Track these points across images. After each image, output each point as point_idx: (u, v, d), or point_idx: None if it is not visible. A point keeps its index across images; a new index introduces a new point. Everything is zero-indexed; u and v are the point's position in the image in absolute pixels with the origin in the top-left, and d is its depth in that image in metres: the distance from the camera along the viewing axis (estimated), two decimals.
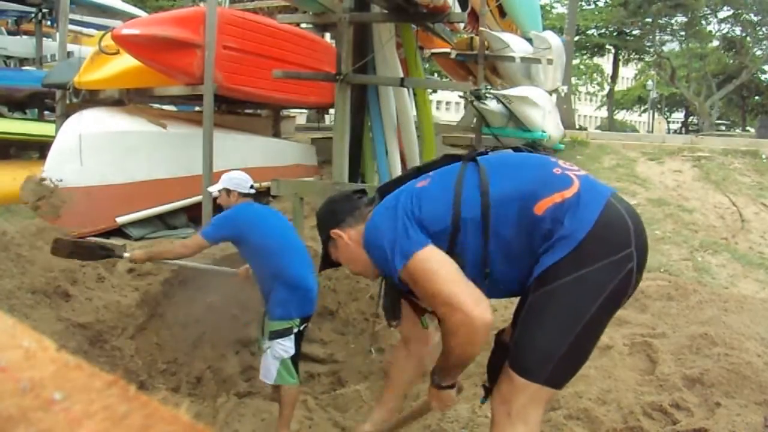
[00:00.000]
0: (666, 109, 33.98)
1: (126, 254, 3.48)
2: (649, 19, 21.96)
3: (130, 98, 6.22)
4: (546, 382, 1.60)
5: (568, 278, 1.53)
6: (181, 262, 3.67)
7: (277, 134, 7.71)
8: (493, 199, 1.57)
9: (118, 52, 5.74)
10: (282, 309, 3.22)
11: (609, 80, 29.54)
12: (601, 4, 24.25)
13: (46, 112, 8.71)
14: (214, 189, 3.50)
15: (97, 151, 5.23)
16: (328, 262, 1.93)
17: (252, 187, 3.46)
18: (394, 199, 1.68)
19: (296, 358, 3.32)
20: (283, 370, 3.23)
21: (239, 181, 3.43)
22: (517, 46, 7.76)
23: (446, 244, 1.59)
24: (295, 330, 3.26)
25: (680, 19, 22.56)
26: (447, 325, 1.59)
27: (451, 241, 1.60)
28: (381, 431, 2.08)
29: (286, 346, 3.22)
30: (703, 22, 23.25)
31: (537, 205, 1.54)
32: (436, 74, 15.99)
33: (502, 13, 8.89)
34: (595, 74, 34.41)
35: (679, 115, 36.96)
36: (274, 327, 3.23)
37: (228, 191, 3.41)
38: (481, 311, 1.52)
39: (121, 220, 5.28)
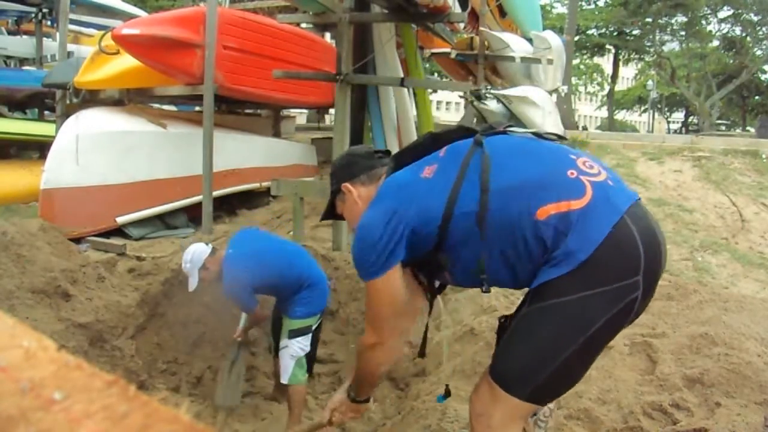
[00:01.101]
0: (666, 109, 33.97)
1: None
2: (649, 19, 21.96)
3: (130, 98, 6.22)
4: (528, 399, 1.53)
5: (564, 299, 1.43)
6: None
7: (277, 134, 7.71)
8: (491, 197, 1.46)
9: (118, 52, 5.75)
10: (304, 307, 3.28)
11: (609, 80, 29.55)
12: (601, 4, 24.26)
13: (46, 112, 8.72)
14: (193, 284, 3.32)
15: (95, 151, 5.23)
16: (331, 212, 1.92)
17: (207, 244, 3.48)
18: (397, 188, 1.61)
19: (312, 356, 3.42)
20: (298, 368, 3.30)
21: (199, 251, 3.32)
22: (517, 46, 7.75)
23: (433, 243, 1.56)
24: (314, 327, 3.36)
25: (680, 19, 22.57)
26: (362, 342, 1.75)
27: (440, 239, 1.54)
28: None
29: (303, 345, 3.30)
30: (703, 22, 23.25)
31: (540, 209, 1.43)
32: (436, 74, 15.99)
33: (502, 13, 8.89)
34: (595, 74, 34.44)
35: (679, 115, 36.95)
36: (295, 326, 3.29)
37: (204, 267, 3.29)
38: (391, 346, 1.70)
39: (121, 220, 5.28)
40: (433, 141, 1.70)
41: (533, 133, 1.63)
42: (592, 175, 1.47)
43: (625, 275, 1.40)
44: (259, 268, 3.21)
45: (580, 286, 1.41)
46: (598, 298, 1.40)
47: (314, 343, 3.42)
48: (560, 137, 1.67)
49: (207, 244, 3.49)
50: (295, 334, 3.28)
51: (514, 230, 1.46)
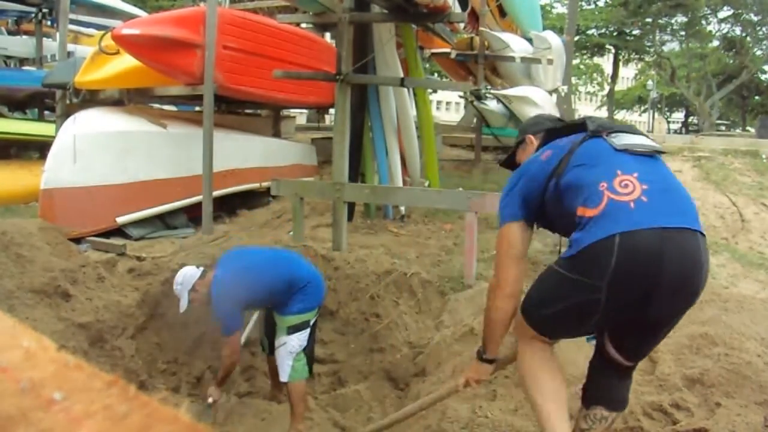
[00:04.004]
0: (666, 109, 33.96)
1: (209, 400, 3.40)
2: (649, 19, 21.97)
3: (130, 98, 6.22)
4: (532, 324, 1.96)
5: (557, 268, 1.89)
6: None
7: (277, 134, 7.71)
8: (560, 186, 1.91)
9: (118, 52, 5.74)
10: (300, 304, 3.29)
11: (609, 80, 29.54)
12: (601, 4, 24.25)
13: (46, 112, 8.71)
14: (183, 305, 3.36)
15: (98, 151, 5.23)
16: (510, 161, 2.36)
17: (198, 267, 3.45)
18: (529, 162, 2.09)
19: (311, 352, 3.42)
20: (297, 364, 3.30)
21: (190, 274, 3.35)
22: (517, 46, 7.75)
23: (539, 204, 1.99)
24: (312, 321, 3.37)
25: (680, 19, 22.57)
26: (488, 286, 2.06)
27: (542, 202, 1.98)
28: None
29: (302, 340, 3.31)
30: (703, 22, 23.24)
31: (577, 209, 1.83)
32: (436, 74, 15.98)
33: (502, 13, 8.89)
34: (595, 74, 34.41)
35: (679, 115, 36.96)
36: (292, 322, 3.29)
37: (193, 290, 3.31)
38: (508, 293, 1.98)
39: (121, 220, 5.28)
40: (565, 128, 2.15)
41: (623, 146, 1.90)
42: (619, 193, 1.76)
43: (591, 276, 1.75)
44: (247, 283, 3.22)
45: (568, 267, 1.84)
46: (572, 281, 1.81)
47: (311, 340, 3.42)
48: (656, 151, 1.93)
49: (198, 267, 3.44)
50: (294, 329, 3.29)
51: (563, 211, 1.94)
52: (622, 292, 1.73)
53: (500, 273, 2.02)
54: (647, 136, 1.99)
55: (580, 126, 2.06)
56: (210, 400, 3.39)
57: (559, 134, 2.10)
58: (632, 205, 1.72)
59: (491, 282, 2.05)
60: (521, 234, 2.00)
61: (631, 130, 2.00)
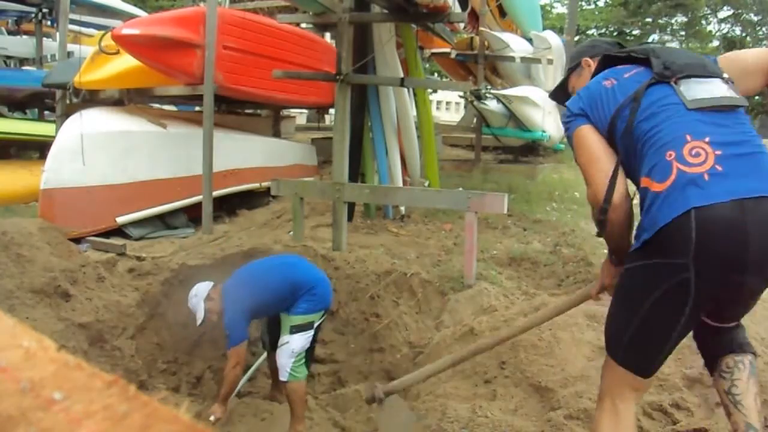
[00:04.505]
0: None
1: (211, 418, 3.35)
2: (649, 19, 21.99)
3: (130, 98, 6.22)
4: (623, 363, 1.75)
5: (630, 265, 1.72)
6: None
7: (277, 134, 7.71)
8: (627, 138, 1.73)
9: (118, 52, 5.74)
10: (307, 304, 3.33)
11: None
12: (601, 4, 24.27)
13: (46, 112, 8.71)
14: (201, 317, 3.44)
15: (98, 151, 5.23)
16: (561, 91, 2.25)
17: (209, 281, 3.53)
18: (594, 82, 1.92)
19: (310, 353, 3.45)
20: (296, 364, 3.32)
21: (203, 286, 3.49)
22: (517, 46, 7.77)
23: (606, 132, 1.82)
24: (316, 323, 3.39)
25: (680, 19, 22.60)
26: (588, 200, 1.85)
27: (610, 134, 1.81)
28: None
29: (305, 340, 3.34)
30: (703, 22, 23.27)
31: (641, 178, 1.69)
32: (436, 74, 15.98)
33: (502, 13, 8.91)
34: None
35: None
36: (296, 321, 3.32)
37: (209, 298, 3.41)
38: (601, 192, 1.73)
39: (121, 220, 5.28)
40: (624, 57, 1.95)
41: (694, 104, 1.68)
42: (690, 164, 1.58)
43: (674, 255, 1.58)
44: (253, 288, 3.32)
45: (643, 255, 1.66)
46: (654, 267, 1.63)
47: (313, 341, 3.44)
48: (734, 105, 1.70)
49: (209, 282, 3.55)
50: (297, 329, 3.31)
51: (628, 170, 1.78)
52: (711, 265, 1.55)
53: (592, 177, 1.76)
54: (721, 77, 1.74)
55: (641, 59, 1.84)
56: (212, 418, 3.34)
57: (616, 61, 1.93)
58: (706, 176, 1.54)
59: (587, 196, 1.81)
60: (598, 134, 1.80)
61: (702, 69, 1.75)
